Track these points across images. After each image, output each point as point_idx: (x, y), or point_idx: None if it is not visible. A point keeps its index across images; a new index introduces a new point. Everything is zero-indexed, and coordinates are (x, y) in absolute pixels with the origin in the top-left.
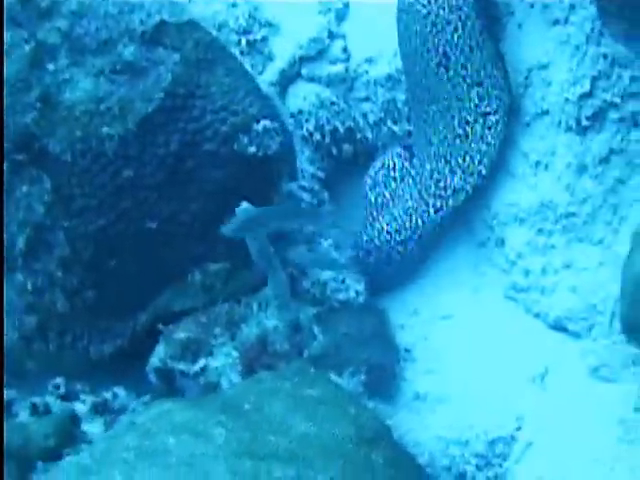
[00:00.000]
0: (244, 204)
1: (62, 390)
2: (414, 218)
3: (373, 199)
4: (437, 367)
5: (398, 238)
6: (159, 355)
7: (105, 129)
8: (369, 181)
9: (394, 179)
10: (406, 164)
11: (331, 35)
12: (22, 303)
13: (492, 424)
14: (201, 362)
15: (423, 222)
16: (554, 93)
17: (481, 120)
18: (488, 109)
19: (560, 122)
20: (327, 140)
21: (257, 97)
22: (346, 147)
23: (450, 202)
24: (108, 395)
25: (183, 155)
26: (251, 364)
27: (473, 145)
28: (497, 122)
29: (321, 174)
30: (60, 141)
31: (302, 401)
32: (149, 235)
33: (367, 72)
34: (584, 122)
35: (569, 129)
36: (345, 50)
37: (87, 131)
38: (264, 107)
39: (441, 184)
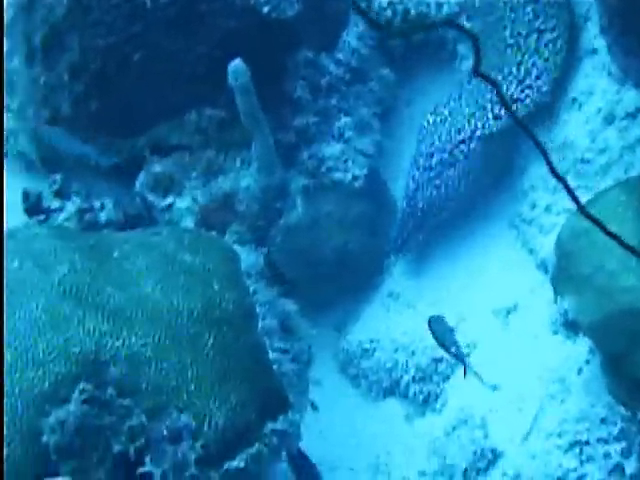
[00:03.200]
0: (236, 60)
1: (57, 186)
2: (473, 121)
3: (431, 120)
4: (420, 271)
5: (459, 137)
6: (139, 181)
7: None
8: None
9: (453, 99)
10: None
11: None
12: (37, 95)
13: None
14: (169, 199)
15: (483, 125)
16: None
17: (535, 35)
18: (543, 26)
19: (604, 65)
20: (397, 20)
21: None
22: None
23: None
24: (97, 204)
25: None
26: (208, 216)
27: (527, 57)
28: (556, 39)
29: (365, 51)
30: None
31: (168, 264)
32: (154, 65)
33: None
34: None
35: (610, 74)
36: None
37: None
38: None
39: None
